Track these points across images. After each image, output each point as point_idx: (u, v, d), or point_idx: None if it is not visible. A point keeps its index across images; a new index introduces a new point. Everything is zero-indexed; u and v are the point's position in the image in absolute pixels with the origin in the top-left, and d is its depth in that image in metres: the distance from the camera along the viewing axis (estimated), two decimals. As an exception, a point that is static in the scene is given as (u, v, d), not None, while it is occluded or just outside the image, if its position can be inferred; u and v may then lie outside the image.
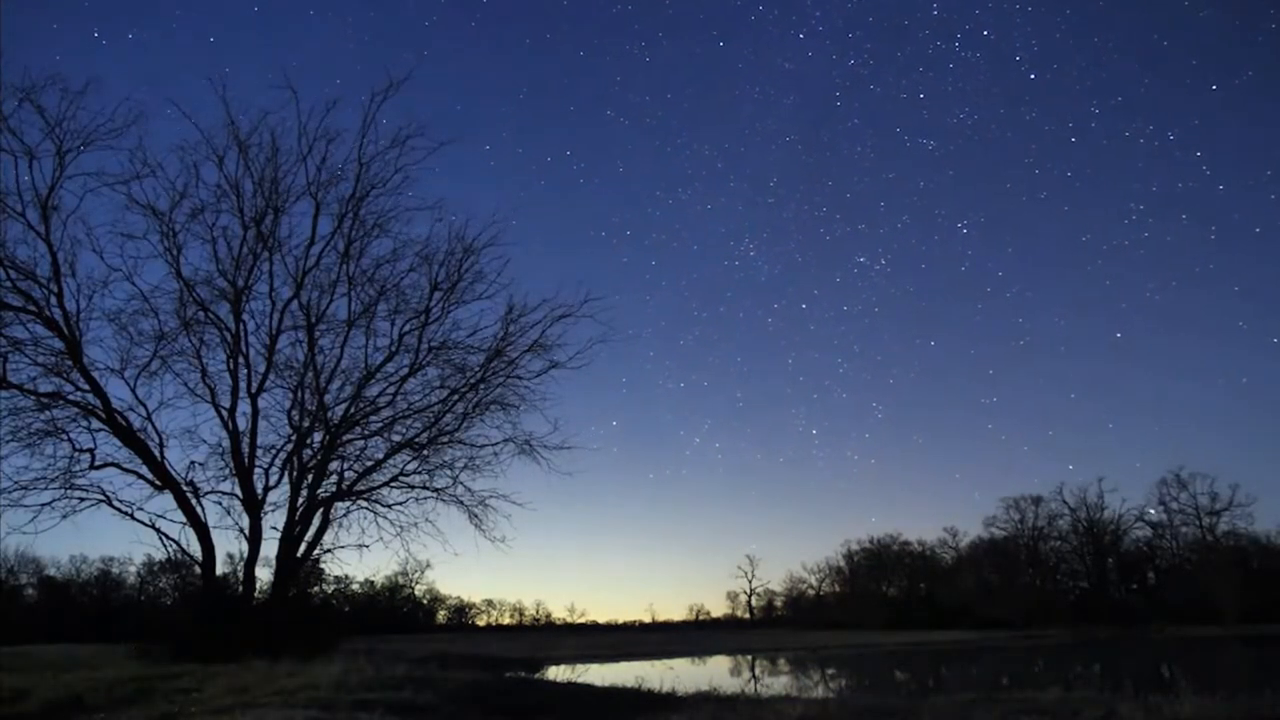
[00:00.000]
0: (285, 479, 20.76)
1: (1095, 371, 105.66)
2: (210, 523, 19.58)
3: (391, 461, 21.83)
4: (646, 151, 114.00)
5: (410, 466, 22.00)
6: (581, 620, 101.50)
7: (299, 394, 21.23)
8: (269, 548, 20.42)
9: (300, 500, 20.48)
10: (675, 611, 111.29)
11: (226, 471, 20.23)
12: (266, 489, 20.51)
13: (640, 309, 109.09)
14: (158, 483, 19.22)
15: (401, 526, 21.66)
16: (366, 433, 21.88)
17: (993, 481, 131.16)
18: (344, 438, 21.34)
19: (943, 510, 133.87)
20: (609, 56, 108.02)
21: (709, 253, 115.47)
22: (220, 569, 20.62)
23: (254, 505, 20.04)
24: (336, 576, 72.24)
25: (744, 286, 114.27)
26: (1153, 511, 74.13)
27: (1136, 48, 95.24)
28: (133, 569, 73.03)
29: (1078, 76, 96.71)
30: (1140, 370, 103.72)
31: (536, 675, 21.30)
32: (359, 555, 23.11)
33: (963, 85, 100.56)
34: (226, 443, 20.30)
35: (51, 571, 72.79)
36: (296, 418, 21.06)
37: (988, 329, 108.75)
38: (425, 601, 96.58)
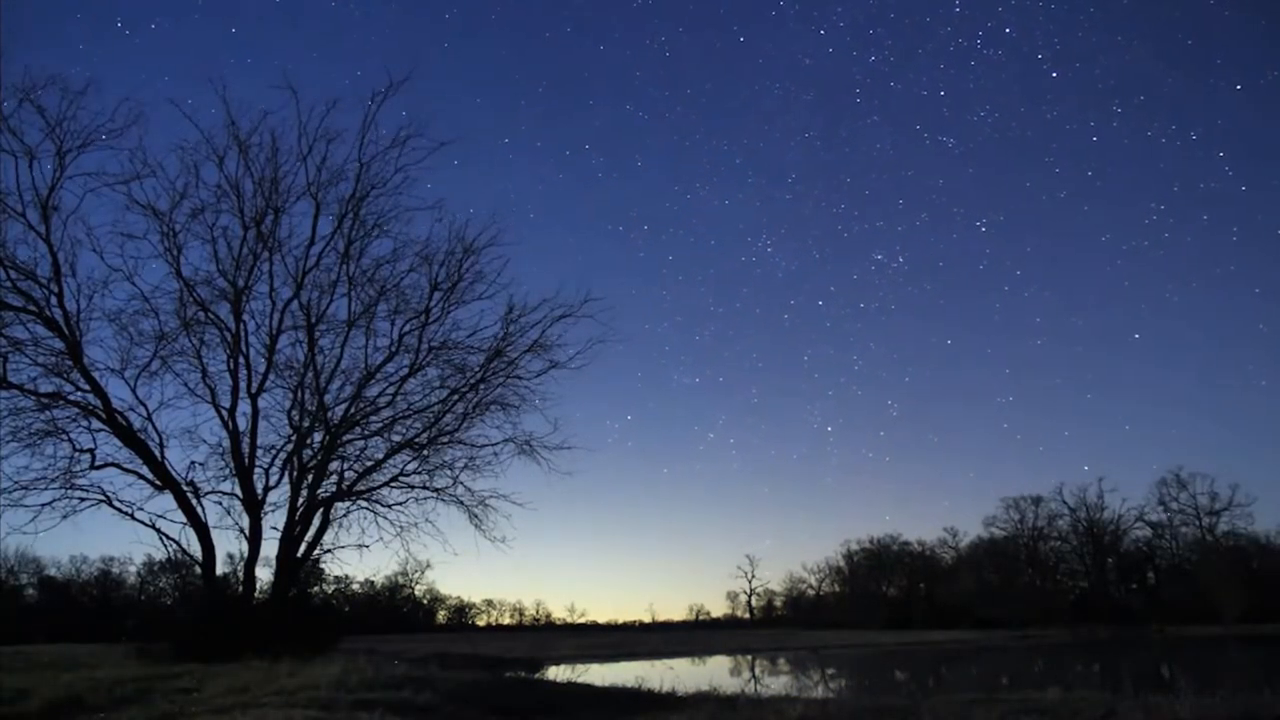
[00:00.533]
0: (285, 479, 20.78)
1: (1113, 372, 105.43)
2: (210, 523, 19.62)
3: (391, 461, 21.85)
4: (665, 146, 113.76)
5: (410, 466, 22.03)
6: (581, 620, 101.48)
7: (299, 394, 21.25)
8: (269, 548, 20.46)
9: (300, 500, 20.49)
10: (675, 611, 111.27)
11: (226, 471, 20.26)
12: (266, 489, 20.53)
13: (657, 303, 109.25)
14: (158, 483, 19.23)
15: (401, 526, 21.69)
16: (366, 433, 21.90)
17: (1008, 481, 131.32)
18: (344, 438, 21.34)
19: (958, 509, 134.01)
20: (629, 50, 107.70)
21: (726, 248, 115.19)
22: (220, 569, 20.66)
23: (254, 505, 20.05)
24: (336, 576, 72.42)
25: (761, 282, 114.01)
26: (1155, 512, 74.11)
27: (1160, 46, 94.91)
28: (133, 569, 73.14)
29: (1100, 75, 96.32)
30: (1159, 371, 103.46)
31: (536, 675, 21.30)
32: (359, 555, 23.16)
33: (984, 83, 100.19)
34: (226, 443, 20.33)
35: (51, 571, 72.88)
36: (296, 418, 21.08)
37: (1005, 328, 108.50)
38: (425, 601, 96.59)
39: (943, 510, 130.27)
